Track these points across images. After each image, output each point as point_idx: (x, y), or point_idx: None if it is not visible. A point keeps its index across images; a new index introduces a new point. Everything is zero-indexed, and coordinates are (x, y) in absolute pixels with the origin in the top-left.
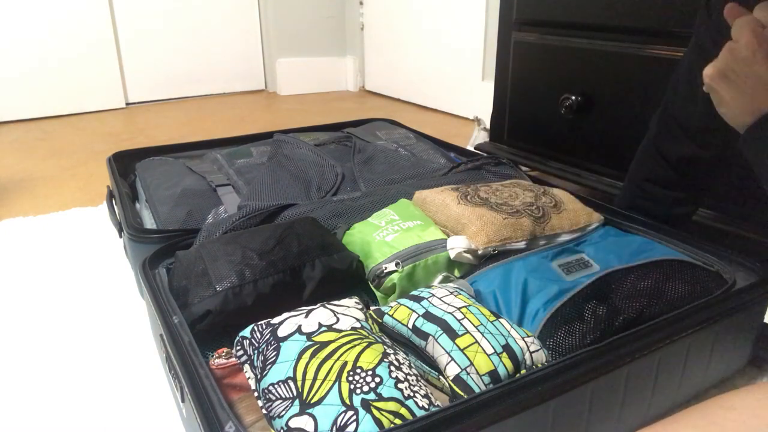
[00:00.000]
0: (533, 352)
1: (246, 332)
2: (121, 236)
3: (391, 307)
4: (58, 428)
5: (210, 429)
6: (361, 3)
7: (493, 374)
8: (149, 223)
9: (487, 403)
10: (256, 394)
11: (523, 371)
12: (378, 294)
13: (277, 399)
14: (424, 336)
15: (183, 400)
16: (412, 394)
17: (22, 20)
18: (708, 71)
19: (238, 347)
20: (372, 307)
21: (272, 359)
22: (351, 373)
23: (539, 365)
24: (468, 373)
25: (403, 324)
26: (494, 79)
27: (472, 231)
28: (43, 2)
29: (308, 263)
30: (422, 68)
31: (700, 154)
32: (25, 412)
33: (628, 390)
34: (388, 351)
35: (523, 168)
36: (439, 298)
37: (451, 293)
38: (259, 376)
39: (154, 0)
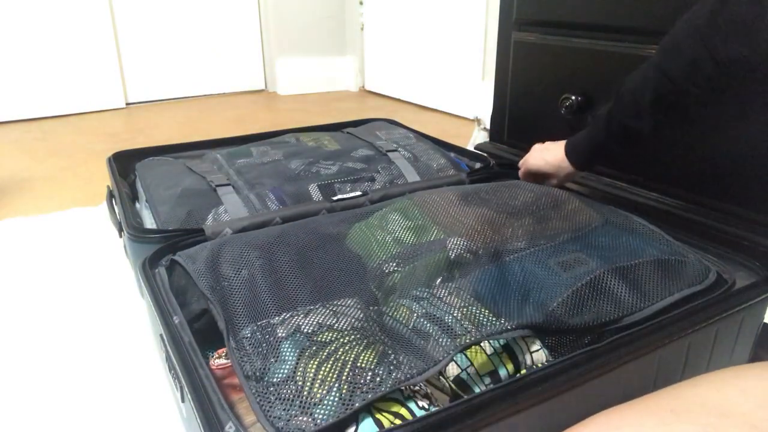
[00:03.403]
0: (533, 352)
1: (246, 332)
2: (121, 236)
3: (391, 306)
4: (59, 428)
5: (210, 429)
6: (361, 3)
7: (494, 374)
8: (149, 223)
9: (487, 403)
10: (256, 395)
11: (523, 371)
12: (378, 294)
13: (277, 400)
14: (425, 336)
15: (183, 400)
16: (412, 394)
17: (22, 20)
18: None
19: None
20: (372, 307)
21: (272, 359)
22: (351, 373)
23: (539, 365)
24: (468, 373)
25: (404, 324)
26: (494, 79)
27: (473, 231)
28: (43, 2)
29: None
30: (422, 68)
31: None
32: (26, 412)
33: (628, 390)
34: (388, 351)
35: None
36: (439, 298)
37: (452, 293)
38: (259, 377)
39: (154, 0)
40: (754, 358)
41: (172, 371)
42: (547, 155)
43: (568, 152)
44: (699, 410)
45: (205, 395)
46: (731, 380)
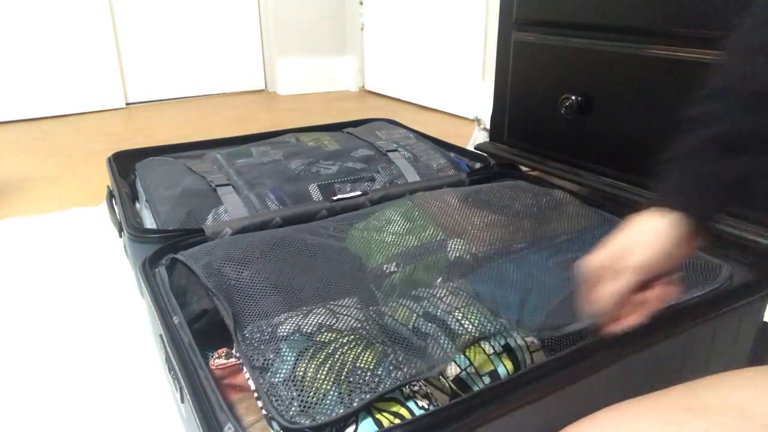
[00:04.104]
0: (533, 351)
1: (245, 333)
2: (121, 236)
3: (392, 306)
4: (59, 428)
5: (209, 429)
6: (361, 3)
7: (493, 374)
8: (149, 223)
9: (484, 401)
10: (256, 394)
11: None
12: (378, 295)
13: (276, 399)
14: (425, 336)
15: (182, 401)
16: (412, 394)
17: (22, 20)
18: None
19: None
20: (372, 308)
21: (272, 359)
22: (351, 373)
23: None
24: (468, 373)
25: (403, 324)
26: (494, 79)
27: (473, 232)
28: (43, 2)
29: None
30: (422, 68)
31: None
32: (25, 412)
33: (627, 387)
34: (387, 351)
35: (523, 168)
36: (439, 299)
37: (451, 293)
38: (258, 377)
39: (154, 0)
40: (754, 356)
41: (172, 372)
42: (648, 238)
43: (689, 207)
44: (715, 410)
45: (204, 396)
46: (749, 380)
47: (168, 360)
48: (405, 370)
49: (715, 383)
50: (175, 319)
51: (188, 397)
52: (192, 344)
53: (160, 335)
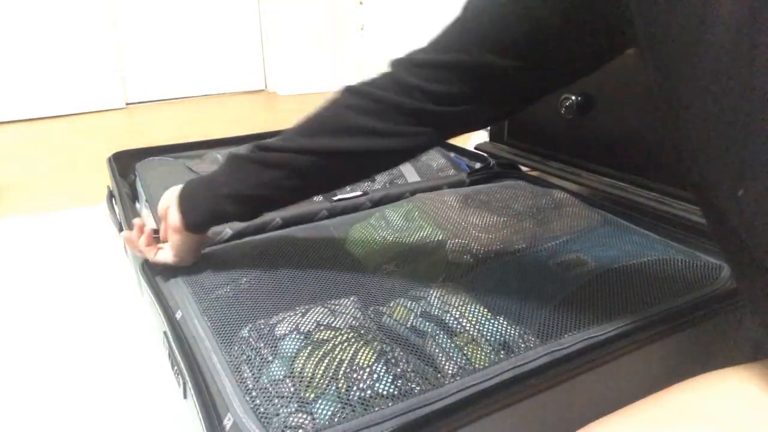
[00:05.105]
0: (531, 349)
1: (244, 332)
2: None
3: (390, 306)
4: (59, 427)
5: (210, 424)
6: (361, 3)
7: None
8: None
9: (480, 398)
10: (254, 393)
11: None
12: (377, 294)
13: (275, 397)
14: (423, 335)
15: (185, 396)
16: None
17: (22, 20)
18: None
19: (237, 347)
20: (370, 307)
21: (270, 358)
22: (348, 370)
23: None
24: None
25: (402, 323)
26: None
27: (472, 232)
28: (43, 2)
29: None
30: None
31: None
32: (25, 412)
33: (625, 387)
34: (385, 348)
35: (523, 168)
36: (438, 298)
37: (450, 293)
38: (257, 375)
39: (154, 0)
40: (754, 357)
41: (176, 367)
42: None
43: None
44: (682, 418)
45: (207, 391)
46: (715, 385)
47: (171, 355)
48: (402, 367)
49: (682, 390)
50: (178, 314)
51: (191, 391)
52: (195, 338)
53: (164, 332)
